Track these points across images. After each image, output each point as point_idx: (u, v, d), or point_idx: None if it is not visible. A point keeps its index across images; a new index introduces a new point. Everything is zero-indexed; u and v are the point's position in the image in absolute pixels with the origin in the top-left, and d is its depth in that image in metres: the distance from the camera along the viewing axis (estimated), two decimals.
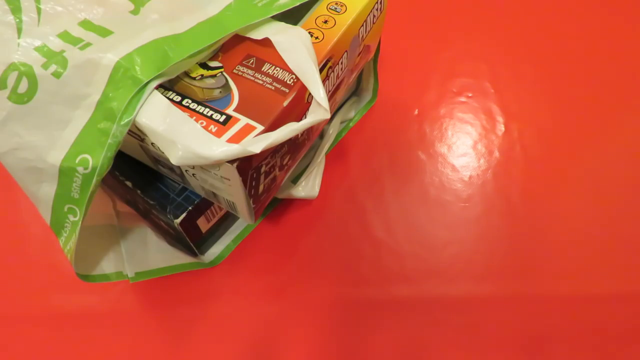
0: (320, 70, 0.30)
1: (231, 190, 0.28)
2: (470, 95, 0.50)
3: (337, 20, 0.31)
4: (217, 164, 0.25)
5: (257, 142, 0.24)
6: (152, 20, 0.27)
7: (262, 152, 0.27)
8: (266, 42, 0.29)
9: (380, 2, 0.34)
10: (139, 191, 0.33)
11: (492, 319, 0.38)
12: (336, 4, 0.32)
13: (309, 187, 0.40)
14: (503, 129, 0.47)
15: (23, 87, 0.25)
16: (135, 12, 0.28)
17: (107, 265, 0.33)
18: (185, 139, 0.24)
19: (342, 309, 0.38)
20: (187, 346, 0.37)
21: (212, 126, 0.26)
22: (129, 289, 0.39)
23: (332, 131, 0.44)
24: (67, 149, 0.25)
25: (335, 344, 0.37)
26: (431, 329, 0.37)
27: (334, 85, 0.33)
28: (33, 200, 0.28)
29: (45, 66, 0.25)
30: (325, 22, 0.31)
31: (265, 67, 0.28)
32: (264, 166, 0.28)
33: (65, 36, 0.25)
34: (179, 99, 0.27)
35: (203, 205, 0.34)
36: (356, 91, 0.49)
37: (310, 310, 0.38)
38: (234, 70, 0.28)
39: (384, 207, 0.43)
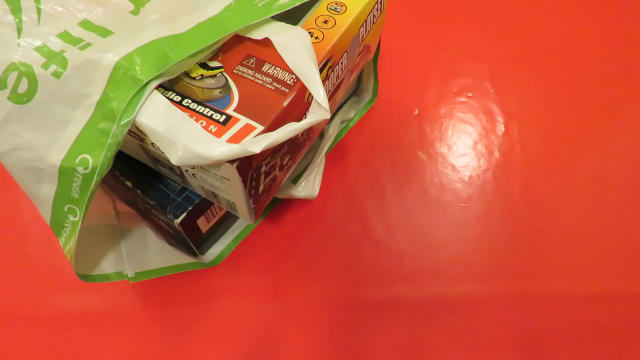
0: (320, 70, 0.30)
1: (231, 190, 0.28)
2: (470, 95, 0.50)
3: (337, 20, 0.31)
4: (217, 164, 0.25)
5: (257, 142, 0.24)
6: (152, 20, 0.27)
7: (262, 152, 0.27)
8: (266, 42, 0.29)
9: (380, 2, 0.34)
10: (139, 191, 0.33)
11: (492, 319, 0.38)
12: (336, 4, 0.32)
13: (309, 187, 0.40)
14: (503, 129, 0.47)
15: (23, 87, 0.25)
16: (135, 12, 0.28)
17: (107, 265, 0.33)
18: (185, 139, 0.24)
19: (342, 309, 0.38)
20: (187, 346, 0.37)
21: (212, 126, 0.26)
22: (129, 289, 0.39)
23: (332, 131, 0.44)
24: (67, 149, 0.25)
25: (335, 344, 0.37)
26: (431, 329, 0.37)
27: (334, 85, 0.33)
28: (33, 200, 0.28)
29: (45, 66, 0.25)
30: (325, 22, 0.31)
31: (265, 67, 0.28)
32: (264, 166, 0.28)
33: (65, 36, 0.25)
34: (179, 99, 0.27)
35: (203, 205, 0.34)
36: (356, 91, 0.49)
37: (310, 310, 0.38)
38: (234, 70, 0.28)
39: (384, 207, 0.43)
